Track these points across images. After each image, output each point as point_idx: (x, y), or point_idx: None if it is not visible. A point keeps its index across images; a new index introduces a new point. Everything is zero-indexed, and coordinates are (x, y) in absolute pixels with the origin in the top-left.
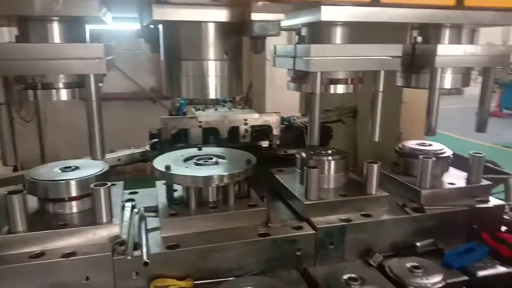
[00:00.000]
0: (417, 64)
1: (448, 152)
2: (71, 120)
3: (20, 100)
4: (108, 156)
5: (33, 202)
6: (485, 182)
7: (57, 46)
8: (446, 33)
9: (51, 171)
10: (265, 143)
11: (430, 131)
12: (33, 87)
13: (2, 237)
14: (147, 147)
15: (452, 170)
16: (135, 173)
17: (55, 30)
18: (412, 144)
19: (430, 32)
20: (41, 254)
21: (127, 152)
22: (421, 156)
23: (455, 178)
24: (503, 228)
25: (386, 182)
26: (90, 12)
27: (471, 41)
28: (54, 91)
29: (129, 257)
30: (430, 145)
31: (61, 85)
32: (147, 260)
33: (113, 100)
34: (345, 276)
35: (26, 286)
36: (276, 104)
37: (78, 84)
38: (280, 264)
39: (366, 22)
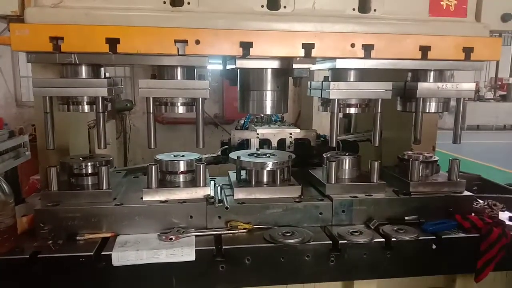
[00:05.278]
0: (408, 95)
1: (435, 159)
2: (144, 139)
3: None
4: None
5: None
6: (460, 180)
7: (180, 82)
8: (427, 74)
9: (168, 156)
10: None
11: (416, 141)
12: (165, 104)
13: (145, 190)
14: (219, 153)
15: (441, 172)
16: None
17: (179, 72)
18: (409, 153)
19: (418, 73)
20: (165, 201)
21: (204, 156)
22: (411, 159)
23: (440, 177)
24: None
25: (389, 178)
26: (204, 64)
27: (445, 80)
28: (176, 107)
29: (216, 205)
30: (422, 154)
31: (179, 104)
32: (228, 206)
33: (183, 124)
34: (350, 230)
35: (157, 220)
36: (320, 128)
37: (190, 103)
38: (308, 222)
39: (362, 68)
